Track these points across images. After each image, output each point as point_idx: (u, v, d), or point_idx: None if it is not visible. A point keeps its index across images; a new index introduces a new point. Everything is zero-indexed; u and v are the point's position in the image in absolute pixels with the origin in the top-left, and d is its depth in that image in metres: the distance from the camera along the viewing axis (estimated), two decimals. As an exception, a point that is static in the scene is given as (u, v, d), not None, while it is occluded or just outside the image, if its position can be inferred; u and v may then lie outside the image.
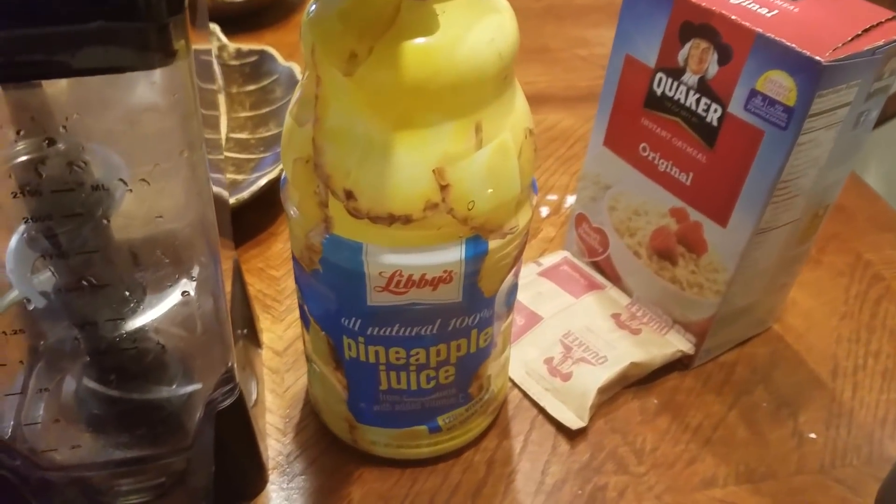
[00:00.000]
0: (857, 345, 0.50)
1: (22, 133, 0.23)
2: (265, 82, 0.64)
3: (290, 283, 0.53)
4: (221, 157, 0.57)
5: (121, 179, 0.25)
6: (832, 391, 0.47)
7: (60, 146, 0.25)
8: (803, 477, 0.43)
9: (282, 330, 0.49)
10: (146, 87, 0.23)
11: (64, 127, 0.23)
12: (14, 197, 0.25)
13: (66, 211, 0.26)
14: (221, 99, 0.63)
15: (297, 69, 0.64)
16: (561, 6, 0.90)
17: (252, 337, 0.46)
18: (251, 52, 0.66)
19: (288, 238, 0.56)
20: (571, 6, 0.90)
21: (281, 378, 0.46)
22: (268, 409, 0.45)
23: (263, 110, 0.63)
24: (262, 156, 0.59)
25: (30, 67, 0.21)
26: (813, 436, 0.45)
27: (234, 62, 0.66)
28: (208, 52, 0.62)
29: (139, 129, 0.24)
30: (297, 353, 0.48)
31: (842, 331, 0.51)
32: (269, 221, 0.57)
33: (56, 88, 0.23)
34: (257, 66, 0.65)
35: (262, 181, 0.53)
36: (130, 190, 0.25)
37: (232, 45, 0.66)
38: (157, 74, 0.23)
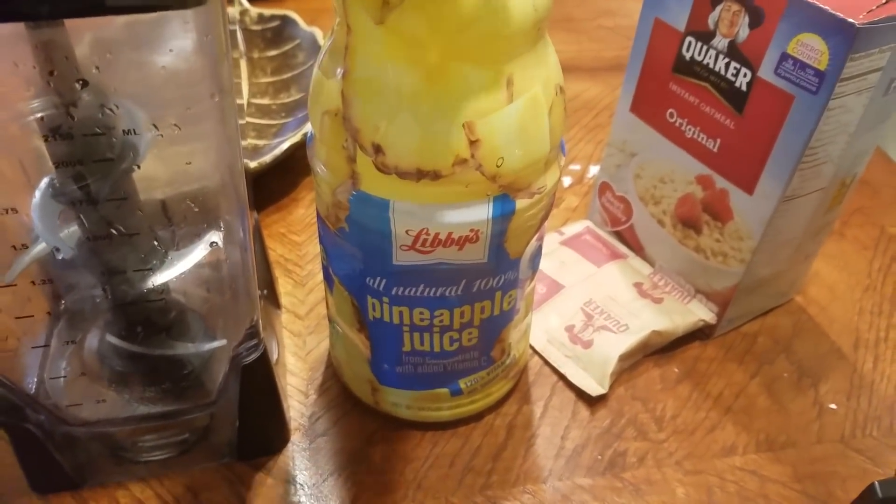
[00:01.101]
0: (880, 317, 0.50)
1: (55, 73, 0.23)
2: (287, 47, 0.64)
3: (311, 249, 0.53)
4: (243, 121, 0.57)
5: (153, 124, 0.25)
6: (853, 363, 0.47)
7: (85, 95, 0.25)
8: (823, 446, 0.42)
9: (303, 294, 0.49)
10: (178, 28, 0.23)
11: (97, 68, 0.23)
12: (46, 141, 0.25)
13: (96, 156, 0.26)
14: (243, 64, 0.63)
15: (319, 34, 0.63)
16: (584, -23, 0.89)
17: (272, 298, 0.46)
18: (273, 17, 0.65)
19: (309, 204, 0.56)
20: (594, -22, 0.89)
21: (303, 341, 0.47)
22: (290, 372, 0.45)
23: (285, 75, 0.63)
24: (283, 121, 0.59)
25: (64, 4, 0.21)
26: (834, 406, 0.44)
27: (255, 27, 0.65)
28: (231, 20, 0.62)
29: (170, 72, 0.24)
30: (318, 317, 0.48)
31: (864, 303, 0.51)
32: (290, 187, 0.57)
33: (88, 29, 0.23)
34: (279, 31, 0.65)
35: (285, 145, 0.53)
36: (161, 135, 0.25)
37: (254, 10, 0.66)
38: (189, 15, 0.23)
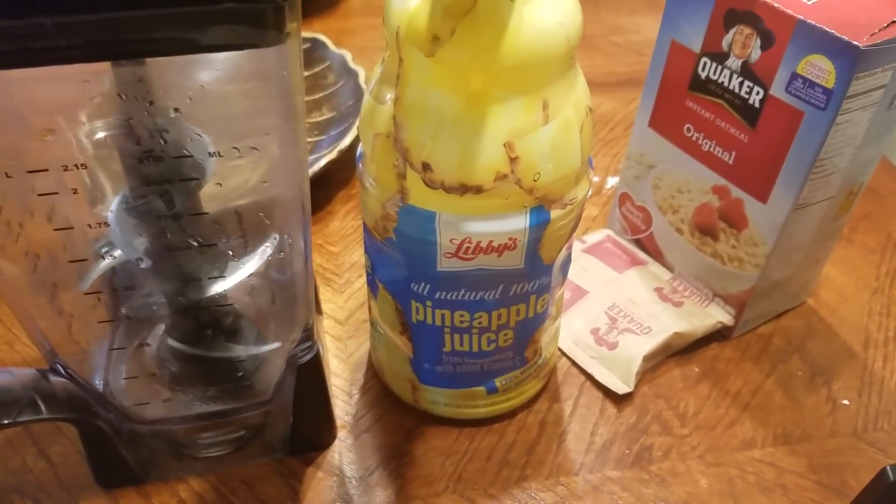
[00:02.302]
0: (888, 318, 0.53)
1: (153, 104, 0.26)
2: (318, 68, 0.67)
3: (348, 258, 0.56)
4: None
5: (234, 147, 0.28)
6: (864, 361, 0.50)
7: (156, 122, 0.28)
8: (837, 440, 0.45)
9: (342, 301, 0.53)
10: (261, 63, 0.26)
11: (189, 98, 0.27)
12: (140, 162, 0.28)
13: (182, 175, 0.29)
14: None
15: (348, 56, 0.67)
16: (596, -5, 0.92)
17: (316, 304, 0.49)
18: (303, 40, 0.69)
19: (344, 216, 0.59)
20: (606, -5, 0.92)
21: (344, 345, 0.50)
22: (333, 374, 0.48)
23: (317, 95, 0.66)
24: (317, 139, 0.62)
25: (167, 44, 0.24)
26: (846, 402, 0.47)
27: (287, 50, 0.69)
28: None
29: (252, 102, 0.27)
30: (357, 322, 0.51)
31: (873, 305, 0.54)
32: (325, 201, 0.60)
33: (180, 63, 0.26)
34: (309, 53, 0.68)
35: (322, 162, 0.56)
36: (241, 157, 0.28)
37: (285, 34, 0.69)
38: (271, 52, 0.26)
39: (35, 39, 0.23)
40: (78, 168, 0.28)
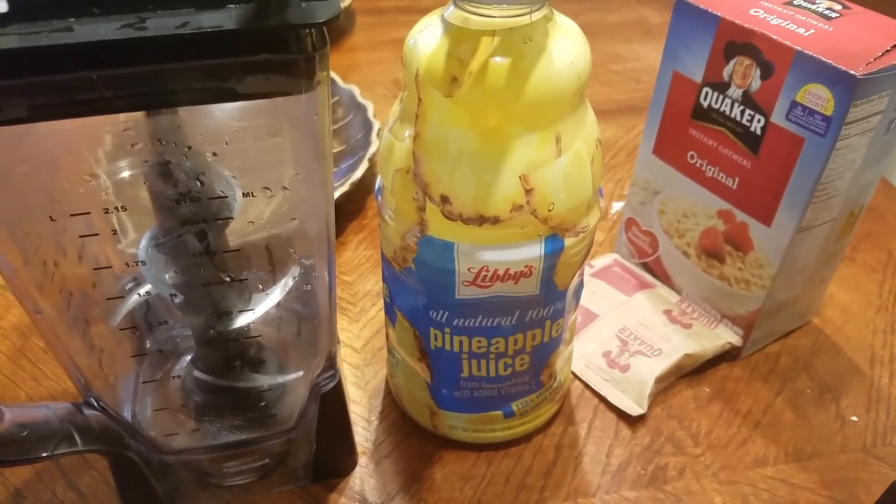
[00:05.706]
0: (892, 335, 0.54)
1: (191, 148, 0.28)
2: (327, 103, 0.69)
3: (361, 288, 0.57)
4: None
5: (265, 188, 0.29)
6: (871, 378, 0.51)
7: (194, 165, 0.29)
8: (847, 455, 0.46)
9: (358, 329, 0.54)
10: (293, 109, 0.28)
11: (226, 143, 0.28)
12: (177, 203, 0.29)
13: (215, 214, 0.30)
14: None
15: (356, 91, 0.68)
16: (594, 24, 0.94)
17: (334, 334, 0.50)
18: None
19: (356, 247, 0.61)
20: (604, 24, 0.94)
21: (361, 373, 0.51)
22: (352, 401, 0.49)
23: (327, 129, 0.67)
24: (329, 171, 0.63)
25: (206, 93, 0.26)
26: (854, 418, 0.48)
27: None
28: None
29: (285, 144, 0.29)
30: (373, 350, 0.52)
31: (877, 323, 0.55)
32: (338, 231, 0.62)
33: (217, 110, 0.28)
34: (319, 89, 0.70)
35: (335, 194, 0.58)
36: (273, 196, 0.30)
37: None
38: (303, 98, 0.27)
39: (83, 92, 0.25)
40: (118, 210, 0.29)
